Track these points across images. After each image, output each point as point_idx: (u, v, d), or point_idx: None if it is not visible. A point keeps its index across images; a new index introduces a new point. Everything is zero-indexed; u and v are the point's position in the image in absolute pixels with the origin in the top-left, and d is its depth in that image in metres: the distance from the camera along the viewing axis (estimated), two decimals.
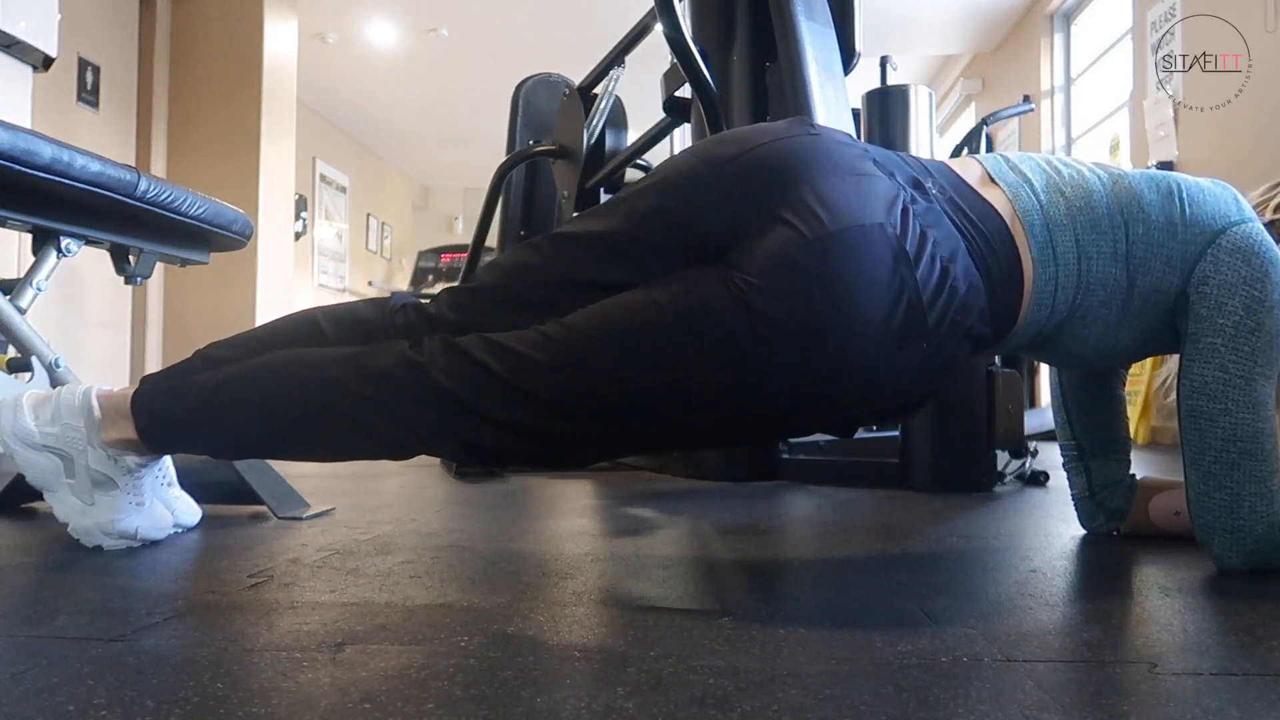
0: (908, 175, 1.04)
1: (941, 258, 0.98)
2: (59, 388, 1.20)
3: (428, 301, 1.16)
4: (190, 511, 1.35)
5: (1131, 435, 1.39)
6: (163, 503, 1.30)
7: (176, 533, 1.29)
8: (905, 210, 0.98)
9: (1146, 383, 3.67)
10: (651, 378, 0.97)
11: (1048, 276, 1.06)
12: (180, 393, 1.14)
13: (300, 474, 2.34)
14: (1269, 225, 1.14)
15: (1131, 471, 1.36)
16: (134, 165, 1.53)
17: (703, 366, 0.96)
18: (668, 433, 1.03)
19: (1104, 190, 1.10)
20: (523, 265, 1.12)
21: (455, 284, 1.25)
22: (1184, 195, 1.10)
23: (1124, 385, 1.37)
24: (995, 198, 1.08)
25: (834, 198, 0.96)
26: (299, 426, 1.08)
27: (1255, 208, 1.16)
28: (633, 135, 2.63)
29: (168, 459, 1.34)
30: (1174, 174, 1.14)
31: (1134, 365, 1.40)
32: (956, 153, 4.06)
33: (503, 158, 2.89)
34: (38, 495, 1.51)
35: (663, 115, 2.27)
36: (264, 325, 1.23)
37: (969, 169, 1.12)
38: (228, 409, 1.10)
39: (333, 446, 1.10)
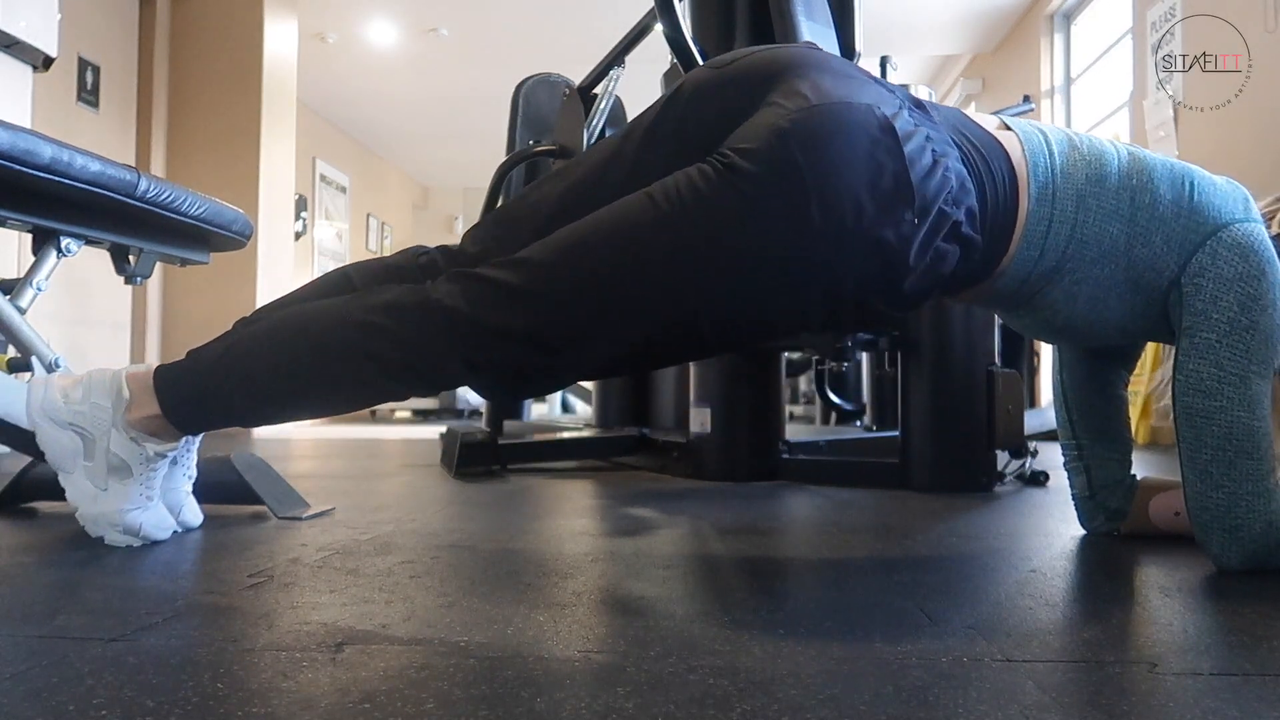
0: (909, 98, 1.06)
1: (934, 150, 0.99)
2: (91, 370, 1.21)
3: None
4: (195, 514, 1.36)
5: (1132, 435, 1.38)
6: (175, 498, 1.31)
7: (177, 533, 1.29)
8: (900, 110, 1.00)
9: (1146, 383, 3.67)
10: (644, 263, 0.98)
11: (1041, 215, 1.07)
12: (195, 362, 1.15)
13: (300, 474, 2.34)
14: (1276, 239, 1.15)
15: (1132, 472, 1.36)
16: (134, 165, 1.53)
17: (693, 246, 0.97)
18: (663, 329, 1.02)
19: (1118, 158, 1.11)
20: (545, 193, 1.16)
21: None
22: (1194, 184, 1.11)
23: (1126, 386, 1.36)
24: (1006, 139, 1.10)
25: (822, 84, 0.99)
26: (306, 368, 1.08)
27: (1263, 217, 1.16)
28: None
29: (194, 456, 1.34)
30: (1191, 166, 1.15)
31: (1134, 365, 1.39)
32: None
33: (503, 158, 2.90)
34: (38, 495, 1.52)
35: None
36: (302, 285, 1.27)
37: (986, 120, 1.14)
38: (236, 368, 1.11)
39: (343, 388, 1.10)
